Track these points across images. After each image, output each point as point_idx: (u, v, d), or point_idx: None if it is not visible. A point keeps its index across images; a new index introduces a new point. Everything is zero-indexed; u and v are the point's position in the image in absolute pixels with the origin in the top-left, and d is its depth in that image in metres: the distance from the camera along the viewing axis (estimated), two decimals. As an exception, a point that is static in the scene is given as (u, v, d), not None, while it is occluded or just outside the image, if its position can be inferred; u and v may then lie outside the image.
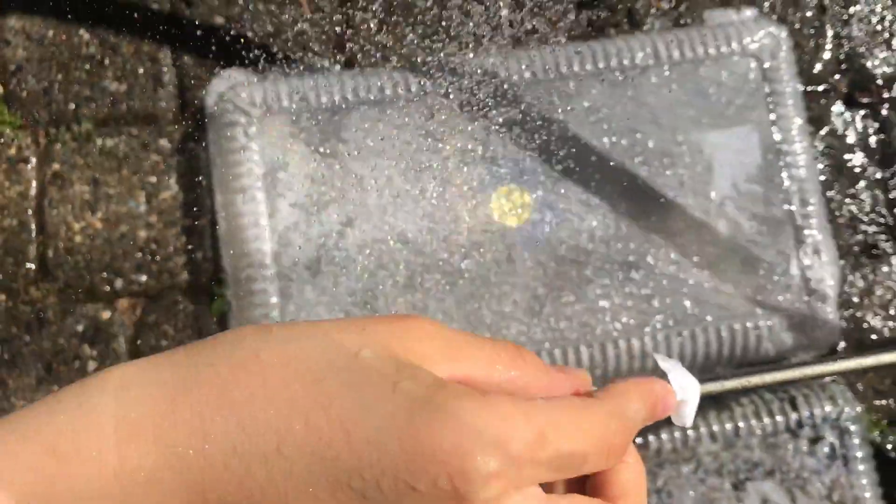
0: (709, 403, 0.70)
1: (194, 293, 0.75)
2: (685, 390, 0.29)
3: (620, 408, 0.26)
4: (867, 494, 0.69)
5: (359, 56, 0.77)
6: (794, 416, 0.70)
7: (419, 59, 0.75)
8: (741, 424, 0.69)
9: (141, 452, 0.24)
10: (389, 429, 0.23)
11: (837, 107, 0.80)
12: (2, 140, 0.77)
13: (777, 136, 0.73)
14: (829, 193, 0.77)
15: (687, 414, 0.29)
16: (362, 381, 0.24)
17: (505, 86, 0.73)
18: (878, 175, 0.79)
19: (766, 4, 0.81)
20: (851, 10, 0.82)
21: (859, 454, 0.70)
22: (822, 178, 0.77)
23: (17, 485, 0.24)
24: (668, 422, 0.63)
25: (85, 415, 0.24)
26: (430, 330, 0.25)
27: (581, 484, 0.27)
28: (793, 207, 0.72)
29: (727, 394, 0.71)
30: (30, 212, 0.76)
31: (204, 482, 0.24)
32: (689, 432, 0.69)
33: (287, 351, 0.24)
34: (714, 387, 0.34)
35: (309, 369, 0.24)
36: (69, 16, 0.79)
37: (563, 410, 0.24)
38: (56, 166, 0.77)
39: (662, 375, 0.29)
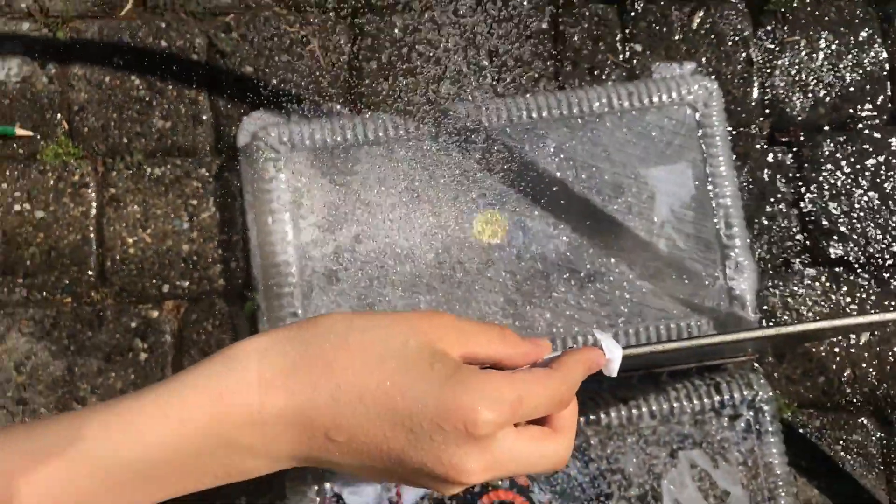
0: (650, 386, 0.86)
1: (229, 296, 0.90)
2: (611, 352, 0.44)
3: (569, 376, 0.42)
4: (776, 461, 0.85)
5: (365, 101, 0.93)
6: (717, 398, 0.86)
7: (415, 105, 0.91)
8: (675, 405, 0.86)
9: (274, 399, 0.39)
10: (428, 393, 0.39)
11: (760, 145, 0.96)
12: (67, 169, 0.92)
13: (708, 171, 0.89)
14: (751, 217, 0.94)
15: (613, 368, 0.44)
16: (411, 363, 0.39)
17: (486, 128, 0.89)
18: (793, 202, 0.96)
19: (704, 59, 0.97)
20: (775, 63, 0.98)
21: (770, 429, 0.86)
22: (746, 204, 0.93)
23: (195, 420, 0.39)
24: (615, 399, 0.81)
25: (238, 373, 0.40)
26: (448, 323, 0.41)
27: (536, 420, 0.43)
28: (720, 229, 0.89)
29: (665, 379, 0.88)
30: (91, 228, 0.91)
31: (313, 418, 0.39)
32: (633, 411, 0.85)
33: (364, 339, 0.40)
34: (631, 351, 0.47)
35: (378, 353, 0.39)
36: (123, 65, 0.94)
37: (533, 381, 0.40)
38: (112, 190, 0.92)
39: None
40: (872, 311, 0.92)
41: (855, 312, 0.91)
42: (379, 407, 0.38)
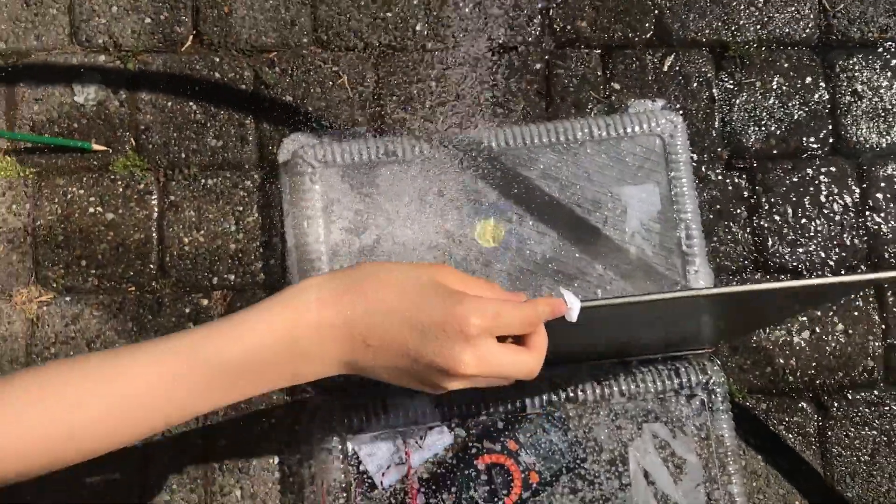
0: (620, 369, 1.02)
1: (269, 288, 1.07)
2: (572, 303, 0.60)
3: (536, 308, 0.58)
4: (725, 434, 1.01)
5: (386, 126, 1.10)
6: (677, 380, 1.02)
7: (428, 130, 1.09)
8: (641, 385, 1.02)
9: (328, 314, 0.55)
10: (434, 306, 0.55)
11: (719, 170, 1.13)
12: (134, 178, 1.09)
13: (672, 191, 1.06)
14: (710, 231, 1.11)
15: (573, 315, 0.59)
16: (423, 289, 0.55)
17: (487, 150, 1.06)
18: (747, 220, 1.13)
19: (672, 96, 1.14)
20: (733, 101, 1.16)
21: (721, 407, 1.02)
22: (705, 220, 1.10)
23: (275, 329, 0.55)
24: (591, 379, 0.98)
25: (303, 298, 0.55)
26: (450, 270, 0.58)
27: (515, 341, 0.59)
28: (682, 240, 1.05)
29: (634, 363, 1.04)
30: (153, 229, 1.08)
31: (354, 328, 0.55)
32: (606, 390, 1.01)
33: (391, 275, 0.56)
34: (589, 303, 0.59)
35: (400, 283, 0.55)
36: (182, 92, 1.11)
37: (508, 304, 0.56)
38: (172, 197, 1.09)
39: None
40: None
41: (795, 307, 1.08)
42: (401, 318, 0.55)
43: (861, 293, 1.11)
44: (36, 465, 0.54)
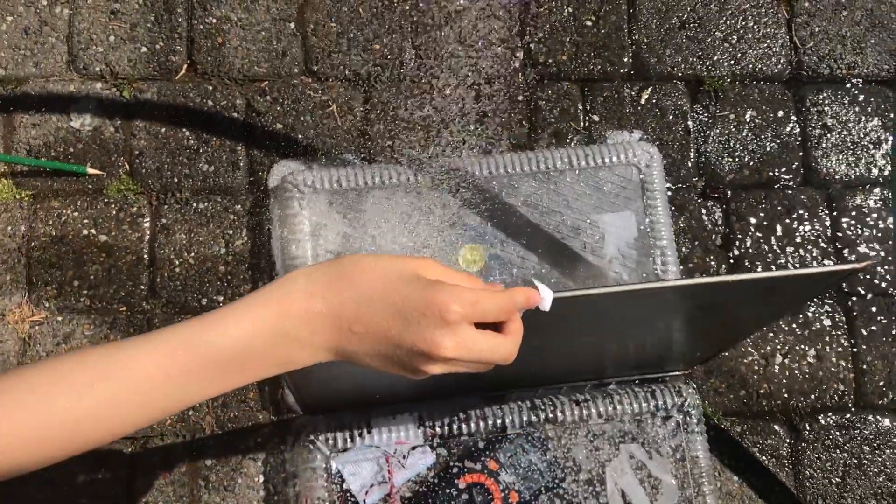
0: (598, 392, 1.05)
1: (256, 310, 1.10)
2: (545, 292, 0.61)
3: (512, 297, 0.59)
4: (700, 455, 1.04)
5: (373, 154, 1.14)
6: (653, 402, 1.05)
7: (413, 158, 1.12)
8: (619, 407, 1.05)
9: (317, 304, 0.57)
10: (416, 294, 0.56)
11: (695, 199, 1.18)
12: (127, 202, 1.12)
13: (648, 219, 1.10)
14: (686, 258, 1.15)
15: (546, 305, 0.60)
16: (405, 278, 0.57)
17: (470, 178, 1.10)
18: (721, 247, 1.16)
19: (649, 128, 1.19)
20: (708, 133, 1.20)
21: (696, 429, 1.05)
22: (681, 247, 1.14)
23: (265, 319, 0.57)
24: (570, 401, 1.00)
25: (292, 288, 0.58)
26: (433, 263, 0.60)
27: (492, 328, 0.61)
28: (657, 267, 1.09)
29: (612, 388, 1.07)
30: (145, 251, 1.11)
31: (341, 316, 0.57)
32: (584, 411, 1.04)
33: (375, 265, 0.58)
34: (561, 294, 0.62)
35: (385, 275, 0.57)
36: (176, 119, 1.15)
37: (486, 293, 0.58)
38: (163, 220, 1.12)
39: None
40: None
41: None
42: (385, 306, 0.57)
43: (832, 317, 1.14)
44: (43, 455, 0.56)
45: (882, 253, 1.17)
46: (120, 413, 0.57)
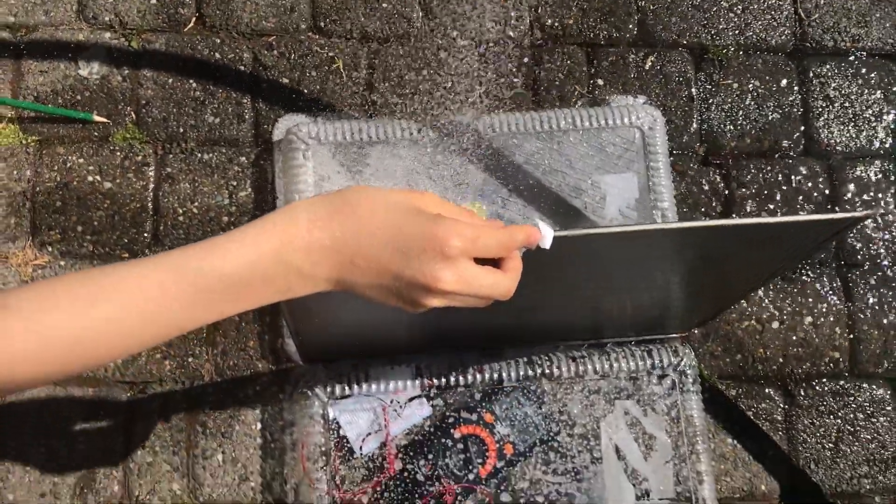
0: (595, 350, 1.06)
1: (258, 260, 1.10)
2: (546, 231, 0.61)
3: (512, 233, 0.60)
4: (695, 414, 1.05)
5: (378, 110, 1.15)
6: (650, 361, 1.06)
7: (418, 114, 1.13)
8: (615, 364, 1.06)
9: (318, 234, 0.57)
10: (416, 228, 0.57)
11: (696, 165, 1.18)
12: (133, 150, 1.13)
13: (651, 181, 1.11)
14: (685, 217, 1.15)
15: (547, 243, 0.61)
16: (406, 212, 0.58)
17: (474, 136, 1.11)
18: (721, 213, 1.17)
19: (653, 94, 1.20)
20: (711, 101, 1.21)
21: (692, 388, 1.06)
22: (682, 212, 1.15)
23: (267, 247, 0.57)
24: (567, 358, 1.01)
25: (295, 218, 0.58)
26: (434, 198, 0.61)
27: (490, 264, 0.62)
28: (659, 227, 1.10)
29: (609, 345, 1.08)
30: (148, 199, 1.12)
31: (343, 247, 0.58)
32: (581, 367, 1.05)
33: (377, 198, 0.58)
34: (562, 232, 0.62)
35: (387, 208, 0.58)
36: (183, 70, 1.16)
37: (486, 228, 0.59)
38: (168, 170, 1.13)
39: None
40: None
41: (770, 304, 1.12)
42: (386, 239, 0.58)
43: (829, 284, 1.15)
44: (45, 371, 0.56)
45: (882, 209, 1.18)
46: (121, 332, 0.57)
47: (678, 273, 0.90)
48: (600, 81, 1.19)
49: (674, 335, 1.10)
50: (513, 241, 0.61)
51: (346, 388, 1.03)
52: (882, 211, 1.18)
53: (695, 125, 1.19)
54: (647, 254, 0.78)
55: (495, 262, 0.60)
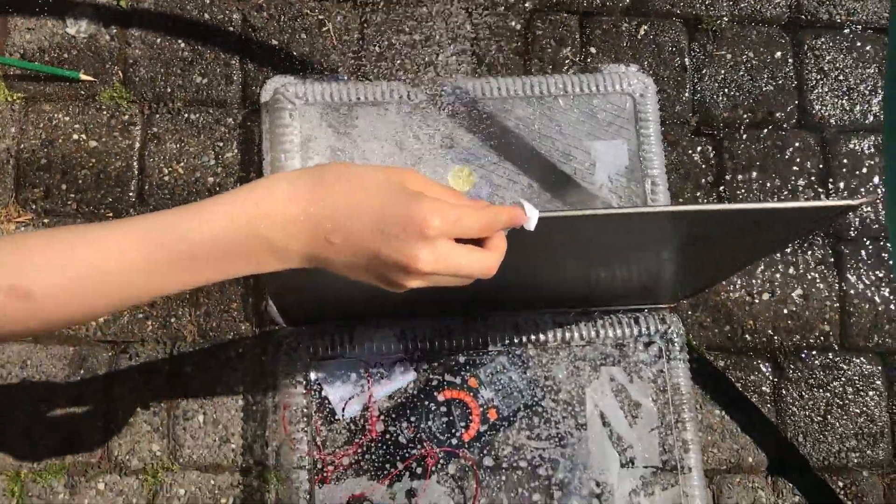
0: (582, 317, 1.05)
1: (243, 221, 1.09)
2: (531, 212, 0.60)
3: (496, 214, 0.59)
4: (682, 382, 1.04)
5: (367, 72, 1.14)
6: (636, 328, 1.05)
7: (407, 77, 1.12)
8: (601, 332, 1.04)
9: (295, 209, 0.55)
10: (397, 206, 0.56)
11: (688, 135, 1.17)
12: (119, 109, 1.12)
13: (642, 148, 1.10)
14: (675, 193, 1.14)
15: (531, 224, 0.60)
16: (387, 190, 0.56)
17: (463, 100, 1.10)
18: (712, 183, 1.16)
19: (646, 63, 1.19)
20: (704, 71, 1.20)
21: (679, 356, 1.05)
22: (672, 181, 1.14)
23: (242, 217, 0.56)
24: (554, 324, 1.00)
25: (273, 190, 0.57)
26: (415, 174, 0.58)
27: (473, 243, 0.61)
28: (647, 194, 1.09)
29: (596, 313, 1.07)
30: (134, 158, 1.11)
31: (319, 224, 0.56)
32: (567, 334, 1.04)
33: (357, 174, 0.57)
34: (548, 214, 0.60)
35: (367, 186, 0.56)
36: (172, 30, 1.15)
37: (469, 208, 0.58)
38: (154, 129, 1.12)
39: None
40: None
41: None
42: (364, 217, 0.56)
43: (820, 258, 1.14)
44: (6, 330, 0.55)
45: (878, 195, 1.17)
46: (81, 293, 0.56)
47: (666, 252, 0.88)
48: (593, 49, 1.18)
49: (662, 305, 1.09)
50: (496, 222, 0.59)
51: (330, 350, 1.02)
52: (880, 197, 1.17)
53: (687, 95, 1.18)
54: (634, 235, 0.77)
55: (478, 242, 0.59)
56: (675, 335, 1.05)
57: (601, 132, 1.10)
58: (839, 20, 1.23)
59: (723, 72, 1.20)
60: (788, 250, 1.14)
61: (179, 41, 1.14)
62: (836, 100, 1.20)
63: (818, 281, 1.14)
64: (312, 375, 1.01)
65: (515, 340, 1.03)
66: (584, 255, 0.86)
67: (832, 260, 1.15)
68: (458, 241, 0.58)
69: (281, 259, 0.58)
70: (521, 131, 1.09)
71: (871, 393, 1.11)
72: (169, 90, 1.12)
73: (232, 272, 0.58)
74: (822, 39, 1.22)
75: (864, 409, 1.10)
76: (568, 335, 1.04)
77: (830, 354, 1.12)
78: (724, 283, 1.12)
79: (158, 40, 1.14)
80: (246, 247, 0.57)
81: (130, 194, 1.09)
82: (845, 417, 1.10)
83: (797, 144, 1.18)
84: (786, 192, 1.16)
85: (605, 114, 1.11)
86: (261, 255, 0.57)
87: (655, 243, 0.83)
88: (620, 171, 1.09)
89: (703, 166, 1.16)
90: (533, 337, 1.03)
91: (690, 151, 1.16)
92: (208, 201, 0.57)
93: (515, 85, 1.10)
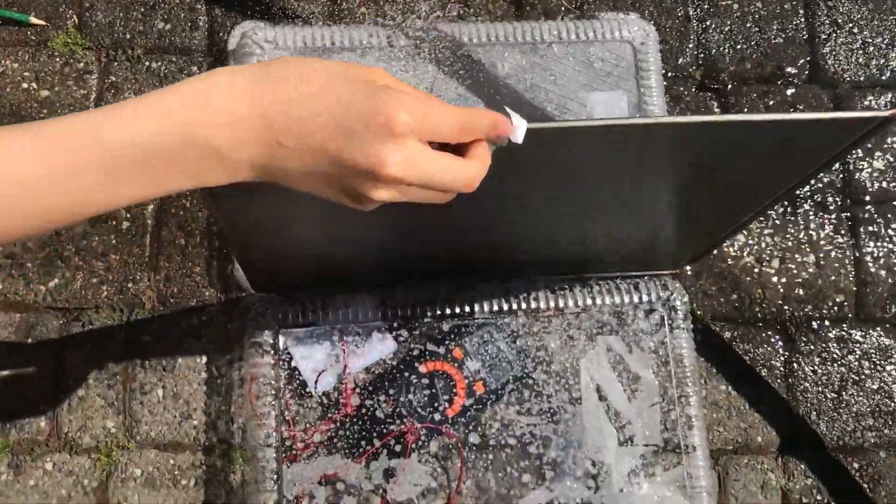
0: (575, 282, 0.96)
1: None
2: (518, 121, 0.51)
3: (474, 115, 0.51)
4: (685, 353, 0.95)
5: (345, 15, 1.04)
6: (636, 296, 0.96)
7: (389, 21, 1.03)
8: (598, 300, 0.96)
9: (240, 106, 0.48)
10: (360, 101, 0.48)
11: (692, 89, 1.09)
12: (74, 56, 1.02)
13: (643, 100, 1.01)
14: (681, 149, 1.05)
15: (519, 136, 0.51)
16: (349, 84, 0.48)
17: (453, 45, 1.01)
18: (718, 140, 1.07)
19: (646, 12, 1.10)
20: (708, 21, 1.11)
21: (682, 325, 0.96)
22: (674, 135, 1.05)
23: (181, 116, 0.48)
24: (546, 290, 0.91)
25: (215, 85, 0.49)
26: (384, 73, 0.50)
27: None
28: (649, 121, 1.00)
29: (593, 279, 0.98)
30: (90, 108, 1.02)
31: (269, 124, 0.48)
32: (560, 301, 0.95)
33: (315, 67, 0.49)
34: (538, 125, 0.52)
35: (327, 80, 0.48)
36: (132, -29, 1.05)
37: (440, 106, 0.49)
38: (112, 78, 1.02)
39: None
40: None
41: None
42: (322, 112, 0.48)
43: (835, 224, 1.05)
44: None
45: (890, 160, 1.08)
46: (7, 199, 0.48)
47: (667, 189, 0.80)
48: (589, -3, 1.09)
49: (664, 273, 1.00)
50: (473, 124, 0.51)
51: (301, 317, 0.93)
52: None
53: (691, 47, 1.09)
54: (633, 157, 0.68)
55: (458, 151, 0.51)
56: (677, 302, 0.97)
57: (599, 83, 1.01)
58: (854, -31, 1.14)
59: (729, 22, 1.11)
60: (797, 210, 1.06)
61: (140, -17, 1.05)
62: (850, 54, 1.12)
63: (832, 247, 1.05)
64: (282, 344, 0.92)
65: (504, 307, 0.95)
66: (577, 192, 0.77)
67: (848, 224, 1.06)
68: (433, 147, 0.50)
69: (226, 168, 0.49)
70: (513, 81, 1.00)
71: (889, 367, 1.02)
72: (128, 36, 1.03)
73: (170, 185, 0.50)
74: (836, -11, 1.13)
75: (882, 384, 1.02)
76: (562, 302, 0.95)
77: (845, 326, 1.03)
78: (730, 248, 1.04)
79: (117, -18, 1.05)
80: (184, 153, 0.48)
81: (85, 148, 1.00)
82: (861, 394, 1.02)
83: (809, 100, 1.09)
84: (797, 152, 1.07)
85: (602, 63, 1.02)
86: (200, 163, 0.48)
87: (655, 173, 0.74)
88: (619, 124, 1.00)
89: (709, 123, 1.07)
90: (524, 304, 0.95)
91: (695, 107, 1.08)
92: (136, 99, 0.48)
93: (506, 31, 1.01)
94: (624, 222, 0.88)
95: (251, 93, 0.48)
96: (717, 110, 1.08)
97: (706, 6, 1.11)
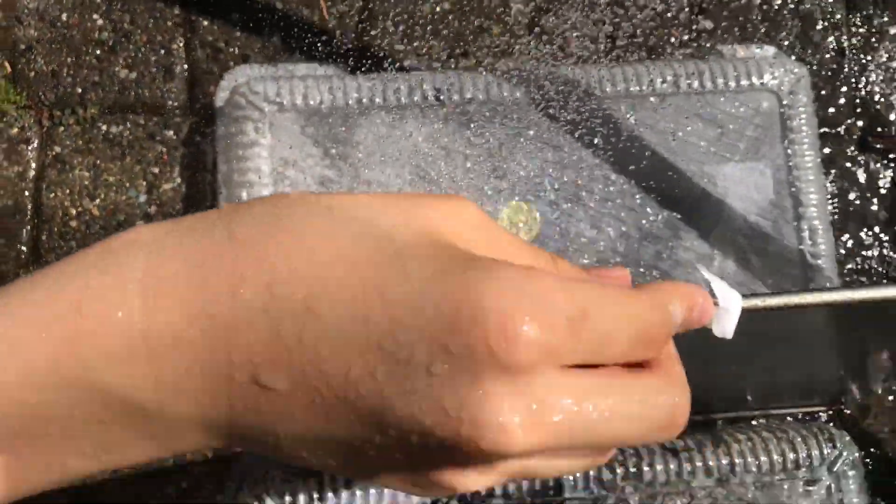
0: (705, 437, 0.68)
1: (189, 288, 0.73)
2: (726, 300, 0.28)
3: (662, 301, 0.25)
4: (864, 547, 0.67)
5: (375, 62, 0.76)
6: (791, 455, 0.68)
7: (435, 68, 0.75)
8: (737, 461, 0.68)
9: (169, 312, 0.23)
10: (426, 290, 0.22)
11: (849, 150, 0.80)
12: (5, 119, 0.75)
13: (791, 175, 0.72)
14: (835, 238, 0.77)
15: (727, 325, 0.29)
16: (400, 249, 0.24)
17: (520, 101, 0.72)
18: (886, 223, 0.79)
19: (785, 44, 0.81)
20: (870, 55, 0.82)
21: (857, 500, 0.68)
22: (833, 218, 0.76)
23: (42, 339, 0.23)
24: (662, 450, 0.62)
25: (112, 273, 0.23)
26: (476, 217, 0.25)
27: None
28: (804, 246, 0.71)
29: (721, 427, 0.71)
30: (27, 193, 0.74)
31: (230, 342, 0.23)
32: (685, 466, 0.67)
33: (330, 223, 0.25)
34: (755, 302, 0.33)
35: (351, 234, 0.24)
36: (85, 2, 0.78)
37: (606, 291, 0.23)
38: (57, 149, 0.75)
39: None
40: None
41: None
42: (340, 319, 0.22)
43: None
44: None
45: None
46: None
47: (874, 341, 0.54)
48: (707, 24, 0.80)
49: (814, 408, 0.73)
50: (661, 315, 0.26)
51: (314, 500, 0.65)
52: None
53: (846, 91, 0.80)
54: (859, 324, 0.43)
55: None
56: (847, 467, 0.69)
57: (730, 150, 0.72)
58: None
59: (897, 55, 0.82)
60: None
61: (96, 16, 0.77)
62: None
63: None
64: (291, 537, 0.65)
65: (605, 477, 0.67)
66: (765, 352, 0.53)
67: None
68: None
69: (156, 442, 0.25)
70: (606, 148, 0.72)
71: None
72: (79, 91, 0.76)
73: (61, 475, 0.26)
74: None
75: None
76: (686, 467, 0.67)
77: None
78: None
79: (64, 15, 0.77)
80: (67, 416, 0.24)
81: (20, 248, 0.73)
82: None
83: None
84: None
85: (735, 122, 0.73)
86: (104, 434, 0.24)
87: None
88: (763, 209, 0.72)
89: (873, 196, 0.79)
90: (632, 470, 0.67)
91: (853, 174, 0.79)
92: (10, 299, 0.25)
93: (600, 78, 0.73)
94: (784, 371, 0.61)
95: (186, 288, 0.23)
96: (886, 177, 0.79)
97: (866, 33, 0.82)
